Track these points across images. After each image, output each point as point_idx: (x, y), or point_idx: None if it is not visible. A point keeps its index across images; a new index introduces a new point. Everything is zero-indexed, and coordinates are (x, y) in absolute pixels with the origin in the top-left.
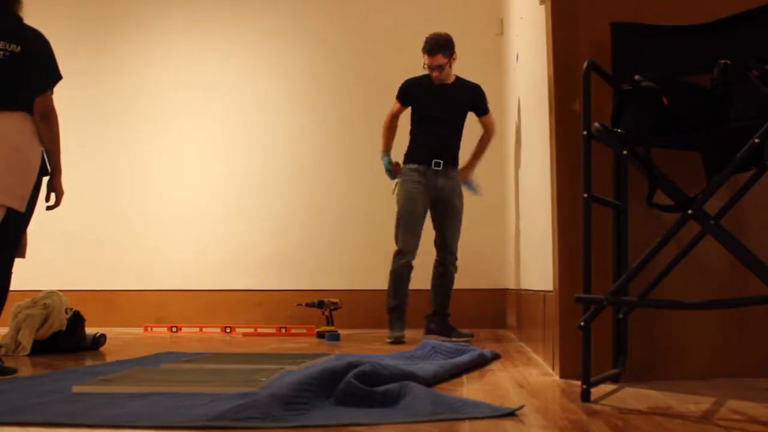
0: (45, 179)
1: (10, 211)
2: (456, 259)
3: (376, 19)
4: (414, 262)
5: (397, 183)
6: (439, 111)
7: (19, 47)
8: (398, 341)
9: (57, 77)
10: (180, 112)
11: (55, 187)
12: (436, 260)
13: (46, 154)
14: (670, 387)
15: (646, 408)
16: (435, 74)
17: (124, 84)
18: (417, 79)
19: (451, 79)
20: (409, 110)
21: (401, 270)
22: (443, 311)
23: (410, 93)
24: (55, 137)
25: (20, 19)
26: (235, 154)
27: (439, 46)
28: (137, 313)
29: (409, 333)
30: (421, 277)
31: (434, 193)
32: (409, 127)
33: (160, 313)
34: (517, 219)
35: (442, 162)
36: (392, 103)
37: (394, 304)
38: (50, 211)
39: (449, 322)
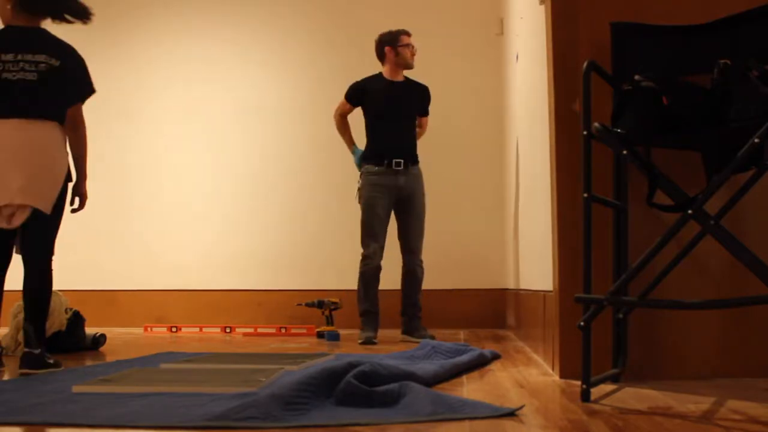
0: (69, 185)
1: (37, 214)
2: (421, 261)
3: (376, 20)
4: (382, 262)
5: (358, 188)
6: (394, 110)
7: (58, 61)
8: (368, 341)
9: (91, 90)
10: (180, 112)
11: (80, 192)
12: (402, 265)
13: (74, 162)
14: (670, 387)
15: (646, 408)
16: (413, 52)
17: (124, 85)
18: (367, 80)
19: (401, 77)
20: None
21: (369, 273)
22: (413, 311)
23: (362, 94)
24: (83, 145)
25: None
26: (235, 154)
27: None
28: (137, 313)
29: (383, 333)
30: (390, 279)
31: (396, 193)
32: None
33: (160, 313)
34: (517, 219)
35: (402, 161)
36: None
37: (365, 308)
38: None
39: (418, 322)
